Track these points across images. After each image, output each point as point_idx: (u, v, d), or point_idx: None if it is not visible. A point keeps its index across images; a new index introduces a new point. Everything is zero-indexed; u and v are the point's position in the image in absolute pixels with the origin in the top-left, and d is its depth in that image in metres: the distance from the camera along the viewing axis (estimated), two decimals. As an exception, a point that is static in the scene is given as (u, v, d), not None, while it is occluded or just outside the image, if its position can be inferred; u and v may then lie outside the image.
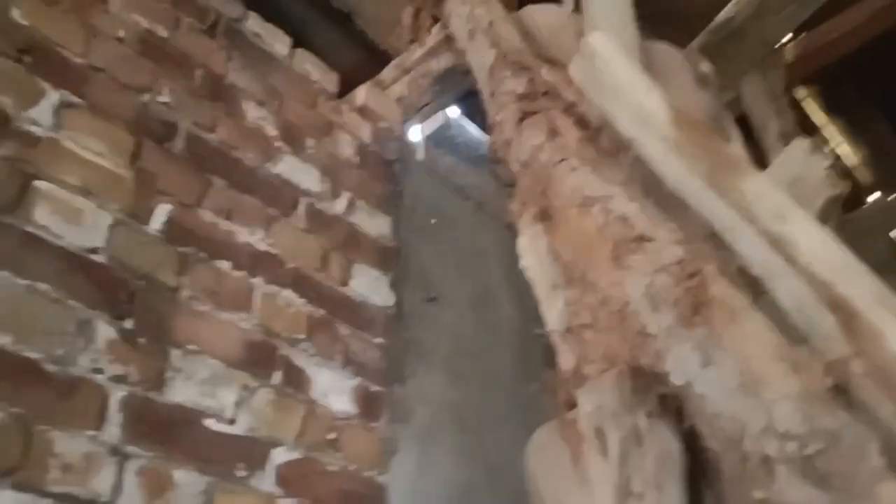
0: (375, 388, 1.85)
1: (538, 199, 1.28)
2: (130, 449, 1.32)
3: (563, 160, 1.29)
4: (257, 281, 1.71)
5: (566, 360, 1.27)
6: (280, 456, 1.55)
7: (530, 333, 2.49)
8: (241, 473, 1.46)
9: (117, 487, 1.28)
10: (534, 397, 2.34)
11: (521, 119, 1.43)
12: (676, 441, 1.17)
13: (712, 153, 1.13)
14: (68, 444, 1.24)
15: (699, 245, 1.04)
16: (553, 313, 1.61)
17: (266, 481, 1.50)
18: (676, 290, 0.96)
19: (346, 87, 2.39)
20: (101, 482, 1.26)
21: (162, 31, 1.78)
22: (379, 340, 1.93)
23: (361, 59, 2.56)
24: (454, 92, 2.48)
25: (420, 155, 2.47)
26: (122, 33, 1.68)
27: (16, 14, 1.49)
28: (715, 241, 1.06)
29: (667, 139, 1.18)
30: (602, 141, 1.37)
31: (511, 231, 2.72)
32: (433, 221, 2.37)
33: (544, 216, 1.27)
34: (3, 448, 1.17)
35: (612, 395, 1.21)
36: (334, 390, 1.74)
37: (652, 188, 1.21)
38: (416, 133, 2.54)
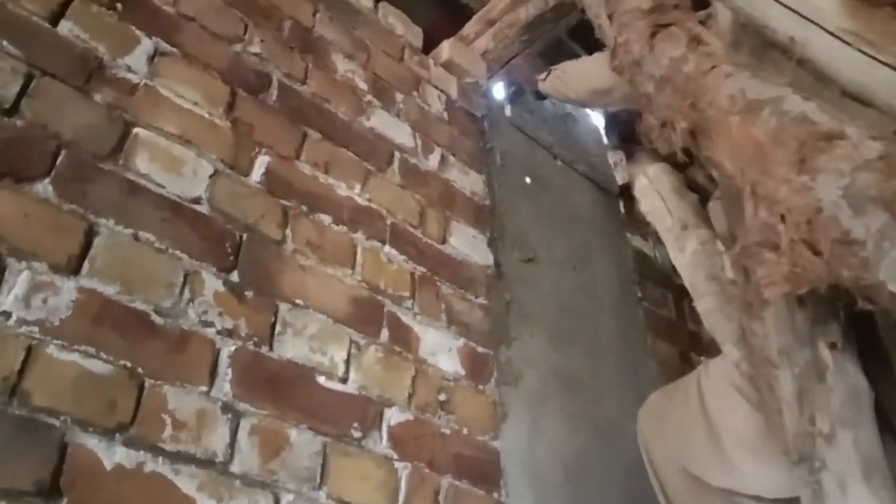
0: (481, 349, 1.74)
1: (687, 112, 1.14)
2: (243, 406, 1.24)
3: (714, 67, 1.15)
4: (358, 236, 1.62)
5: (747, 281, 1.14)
6: (393, 416, 1.45)
7: (630, 296, 2.35)
8: (356, 434, 1.36)
9: (232, 446, 1.19)
10: (640, 361, 2.20)
11: (654, 34, 1.30)
12: (862, 374, 1.03)
13: (903, 39, 0.98)
14: (181, 401, 1.17)
15: (900, 139, 0.89)
16: (684, 255, 1.48)
17: (381, 443, 1.40)
18: (888, 185, 0.81)
19: (428, 45, 2.28)
20: (216, 440, 1.18)
21: (248, -19, 1.70)
22: (482, 301, 1.82)
23: (442, 15, 2.44)
24: (542, 41, 2.34)
25: (507, 111, 2.35)
26: (209, -19, 1.61)
27: (106, -41, 1.43)
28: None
29: (843, 31, 1.04)
30: (744, 48, 1.23)
31: (603, 190, 2.58)
32: (528, 181, 2.25)
33: (696, 130, 1.13)
34: (115, 403, 1.09)
35: (784, 326, 1.08)
36: (442, 350, 1.64)
37: (819, 90, 1.06)
38: (500, 90, 2.42)
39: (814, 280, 0.94)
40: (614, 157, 2.64)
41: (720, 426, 1.63)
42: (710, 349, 2.55)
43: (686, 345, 2.46)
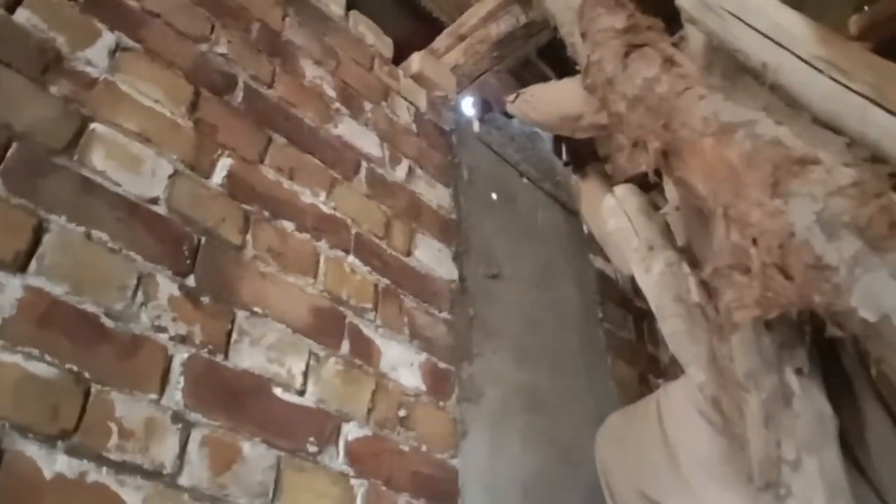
0: (443, 364, 1.70)
1: (659, 133, 1.14)
2: (194, 416, 1.19)
3: (687, 89, 1.15)
4: (322, 245, 1.58)
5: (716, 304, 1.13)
6: (351, 432, 1.41)
7: (592, 316, 2.35)
8: (312, 449, 1.32)
9: (181, 457, 1.14)
10: (600, 382, 2.19)
11: (627, 53, 1.29)
12: (826, 400, 1.03)
13: (875, 67, 0.99)
14: (129, 408, 1.11)
15: (874, 166, 0.89)
16: (650, 276, 1.47)
17: (337, 459, 1.36)
18: (861, 212, 0.81)
19: (397, 57, 2.26)
20: (164, 451, 1.12)
21: (217, -20, 1.66)
22: (445, 315, 1.79)
23: (412, 28, 2.42)
24: (513, 58, 2.34)
25: (475, 127, 2.34)
26: (177, -22, 1.56)
27: (70, -52, 1.37)
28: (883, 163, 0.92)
29: (816, 58, 1.04)
30: (716, 71, 1.23)
31: (567, 210, 2.59)
32: (494, 196, 2.24)
33: (668, 151, 1.13)
34: (58, 408, 1.03)
35: (751, 350, 1.07)
36: (403, 364, 1.60)
37: (792, 116, 1.06)
38: (468, 105, 2.41)
39: (784, 305, 0.93)
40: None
41: (679, 450, 1.62)
42: (668, 372, 2.56)
43: (645, 367, 2.46)
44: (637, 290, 2.72)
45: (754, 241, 0.96)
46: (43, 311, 1.07)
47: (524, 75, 2.60)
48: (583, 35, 1.46)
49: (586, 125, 1.89)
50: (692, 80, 1.18)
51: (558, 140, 2.35)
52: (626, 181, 1.98)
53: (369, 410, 1.46)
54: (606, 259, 2.64)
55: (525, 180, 2.46)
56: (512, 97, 2.25)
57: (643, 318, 2.64)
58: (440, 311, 1.78)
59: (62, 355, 1.07)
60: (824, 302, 0.87)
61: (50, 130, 1.21)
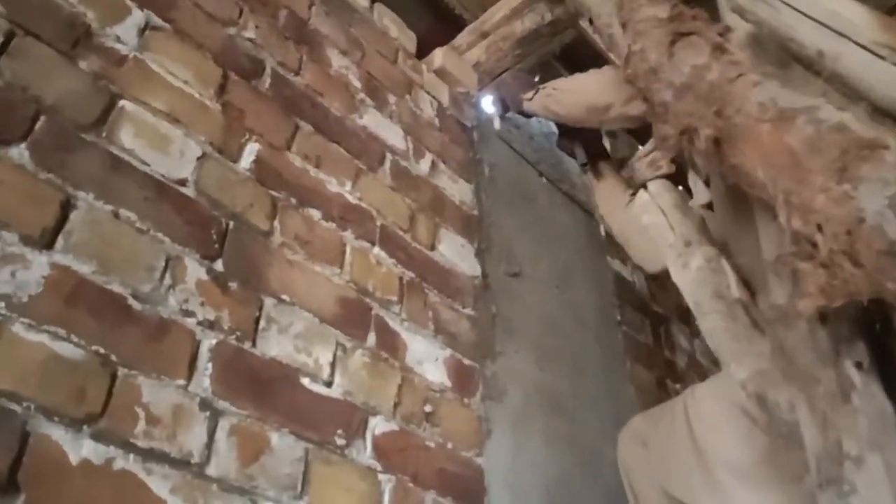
0: (468, 361, 1.66)
1: (711, 120, 1.10)
2: (222, 404, 1.14)
3: (740, 75, 1.11)
4: (348, 235, 1.54)
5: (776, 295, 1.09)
6: (378, 426, 1.36)
7: (610, 319, 2.31)
8: (339, 441, 1.27)
9: (209, 446, 1.09)
10: (620, 385, 2.15)
11: (673, 42, 1.26)
12: (886, 397, 0.99)
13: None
14: (156, 394, 1.06)
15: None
16: (688, 272, 1.43)
17: (364, 453, 1.31)
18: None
19: (418, 53, 2.23)
20: (192, 439, 1.08)
21: (246, -35, 1.63)
22: (469, 311, 1.75)
23: (434, 24, 2.40)
24: (535, 57, 2.31)
25: (496, 125, 2.30)
26: (206, -40, 1.53)
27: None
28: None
29: (877, 45, 1.01)
30: (764, 62, 1.20)
31: (585, 211, 2.55)
32: (515, 195, 2.20)
33: (721, 138, 1.09)
34: (85, 391, 0.98)
35: (806, 343, 1.04)
36: (428, 359, 1.56)
37: (849, 105, 1.03)
38: (488, 103, 2.37)
39: (852, 293, 0.90)
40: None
41: (709, 452, 1.58)
42: (686, 377, 2.52)
43: (662, 371, 2.42)
44: (654, 294, 2.69)
45: (819, 228, 0.92)
46: (70, 290, 1.03)
47: (541, 78, 2.57)
48: (623, 25, 1.43)
49: (615, 116, 1.84)
50: (745, 66, 1.14)
51: (570, 139, 2.31)
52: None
53: (396, 405, 1.42)
54: (624, 262, 2.61)
55: (544, 180, 2.42)
56: (530, 94, 2.21)
57: (661, 322, 2.60)
58: (464, 307, 1.74)
59: (89, 336, 1.02)
60: (899, 289, 0.83)
61: (79, 105, 1.17)
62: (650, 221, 1.56)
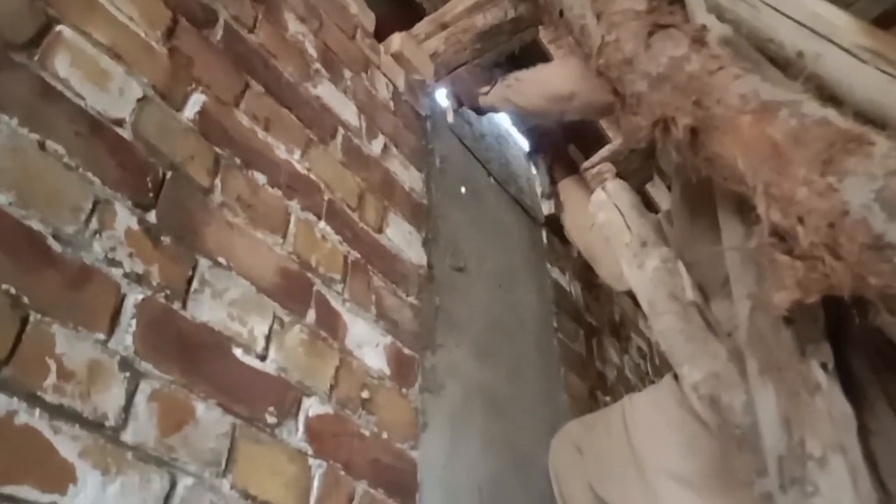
0: (408, 350, 1.58)
1: (690, 110, 1.07)
2: (145, 366, 1.03)
3: (721, 68, 1.09)
4: (293, 204, 1.44)
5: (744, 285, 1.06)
6: (312, 407, 1.27)
7: (548, 326, 2.28)
8: (270, 420, 1.17)
9: (127, 410, 0.98)
10: (555, 391, 2.11)
11: (651, 33, 1.23)
12: (847, 401, 0.97)
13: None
14: (72, 346, 0.94)
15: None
16: (643, 272, 1.40)
17: (296, 434, 1.21)
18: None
19: (375, 37, 2.16)
20: (108, 401, 0.96)
21: None
22: (412, 300, 1.68)
23: (392, 10, 2.32)
24: (495, 53, 2.27)
25: (450, 118, 2.25)
26: None
27: None
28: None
29: (860, 48, 1.00)
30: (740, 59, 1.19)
31: (530, 217, 2.52)
32: (463, 190, 2.15)
33: (699, 128, 1.06)
34: (-12, 335, 0.86)
35: (770, 341, 1.01)
36: (368, 343, 1.47)
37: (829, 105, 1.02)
38: (442, 95, 2.32)
39: (831, 287, 0.87)
40: (543, 185, 2.59)
41: (647, 459, 1.56)
42: (615, 391, 2.51)
43: (594, 382, 2.40)
44: (588, 305, 2.68)
45: (800, 220, 0.89)
46: (-20, 220, 0.90)
47: (494, 76, 2.53)
48: (597, 16, 1.40)
49: (578, 106, 1.81)
50: (725, 60, 1.12)
51: (543, 155, 2.29)
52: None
53: (332, 387, 1.33)
54: (563, 271, 2.59)
55: (492, 180, 2.38)
56: (486, 88, 2.16)
57: (594, 334, 2.59)
58: (407, 295, 1.67)
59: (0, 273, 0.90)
60: (881, 283, 0.81)
61: (10, 23, 1.05)
62: (606, 219, 1.52)
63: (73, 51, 1.12)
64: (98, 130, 1.11)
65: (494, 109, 2.19)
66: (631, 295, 1.54)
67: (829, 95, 1.08)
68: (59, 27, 1.12)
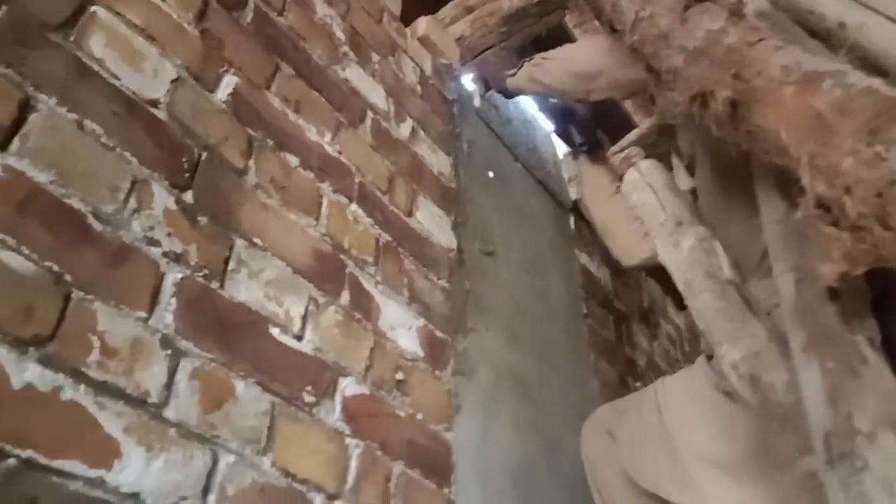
0: (440, 333, 1.58)
1: (730, 83, 1.05)
2: (185, 344, 1.03)
3: (760, 40, 1.06)
4: (325, 187, 1.44)
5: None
6: (349, 387, 1.26)
7: (577, 311, 2.27)
8: (308, 399, 1.17)
9: (169, 387, 0.98)
10: (584, 377, 2.10)
11: (687, 7, 1.21)
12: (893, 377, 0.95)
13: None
14: (114, 323, 0.95)
15: None
16: (679, 252, 1.39)
17: (333, 414, 1.21)
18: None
19: (402, 21, 2.14)
20: (151, 378, 0.96)
21: None
22: (443, 283, 1.67)
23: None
24: (521, 36, 2.25)
25: (476, 102, 2.23)
26: None
27: None
28: None
29: (906, 14, 0.98)
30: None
31: (556, 202, 2.50)
32: (491, 174, 2.13)
33: (739, 101, 1.04)
34: (33, 310, 0.86)
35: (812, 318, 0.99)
36: (402, 326, 1.47)
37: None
38: (469, 79, 2.30)
39: (880, 258, 0.85)
40: (570, 171, 2.58)
41: (681, 443, 1.54)
42: (646, 377, 2.49)
43: (624, 368, 2.38)
44: (617, 292, 2.66)
45: (847, 191, 0.87)
46: (23, 197, 0.91)
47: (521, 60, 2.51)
48: (631, -9, 1.38)
49: (605, 84, 1.78)
50: (765, 32, 1.10)
51: (570, 122, 2.25)
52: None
53: (367, 368, 1.32)
54: (591, 256, 2.57)
55: (519, 165, 2.36)
56: (514, 70, 2.14)
57: (623, 320, 2.57)
58: (438, 279, 1.66)
59: (42, 251, 0.90)
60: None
61: (46, 4, 1.05)
62: (639, 200, 1.51)
63: (107, 31, 1.12)
64: (134, 110, 1.11)
65: (522, 91, 2.16)
66: (640, 269, 1.52)
67: (872, 66, 1.06)
68: (93, 8, 1.12)
